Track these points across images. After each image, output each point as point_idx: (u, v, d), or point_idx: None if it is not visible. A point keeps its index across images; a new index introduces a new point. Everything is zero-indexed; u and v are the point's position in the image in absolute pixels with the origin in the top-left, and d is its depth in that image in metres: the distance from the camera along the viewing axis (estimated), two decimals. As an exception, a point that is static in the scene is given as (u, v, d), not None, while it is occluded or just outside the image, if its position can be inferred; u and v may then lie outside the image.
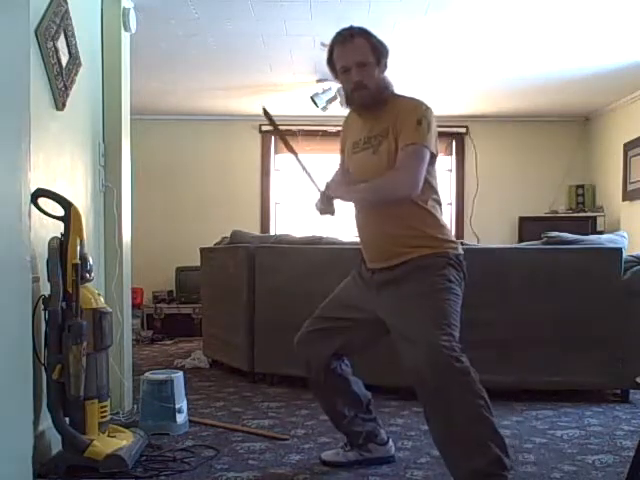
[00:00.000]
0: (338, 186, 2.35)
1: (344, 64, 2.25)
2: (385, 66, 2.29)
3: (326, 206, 2.36)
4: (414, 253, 2.19)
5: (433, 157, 2.22)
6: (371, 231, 2.31)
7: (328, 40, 2.35)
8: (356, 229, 2.41)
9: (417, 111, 2.19)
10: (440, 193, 2.33)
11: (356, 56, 2.23)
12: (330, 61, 2.32)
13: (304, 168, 2.47)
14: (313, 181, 2.43)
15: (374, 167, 2.24)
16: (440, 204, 2.31)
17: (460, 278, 2.21)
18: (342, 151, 2.54)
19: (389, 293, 2.22)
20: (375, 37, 2.27)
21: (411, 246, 2.20)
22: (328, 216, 2.39)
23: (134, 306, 5.04)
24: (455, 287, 2.18)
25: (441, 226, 2.27)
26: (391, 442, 2.57)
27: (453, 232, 6.56)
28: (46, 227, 2.47)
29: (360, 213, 2.37)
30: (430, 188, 2.25)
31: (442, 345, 2.00)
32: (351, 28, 2.27)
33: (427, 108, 2.21)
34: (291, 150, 2.66)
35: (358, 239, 2.42)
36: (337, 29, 2.31)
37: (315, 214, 2.41)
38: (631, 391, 3.55)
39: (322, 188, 2.38)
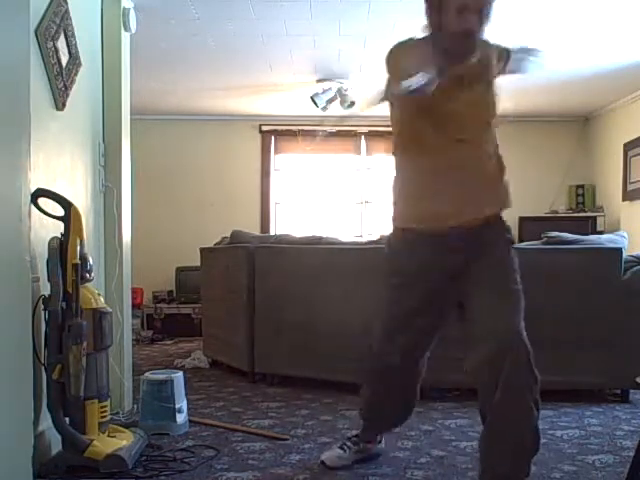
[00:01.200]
0: None
1: (470, 4, 1.91)
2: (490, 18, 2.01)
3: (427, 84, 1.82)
4: (502, 204, 2.14)
5: None
6: (471, 172, 2.07)
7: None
8: (430, 179, 2.10)
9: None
10: None
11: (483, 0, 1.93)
12: None
13: None
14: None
15: (484, 101, 2.11)
16: None
17: None
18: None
19: (479, 258, 2.05)
20: None
21: (502, 193, 2.15)
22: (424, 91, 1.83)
23: (134, 306, 5.04)
24: None
25: None
26: (383, 438, 2.62)
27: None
28: (46, 227, 2.46)
29: (449, 154, 2.07)
30: None
31: (526, 340, 1.95)
32: None
33: None
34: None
35: (425, 195, 2.11)
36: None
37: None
38: (631, 391, 3.55)
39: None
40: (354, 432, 2.60)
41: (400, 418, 2.52)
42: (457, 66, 1.94)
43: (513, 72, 2.19)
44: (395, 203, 2.24)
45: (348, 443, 2.52)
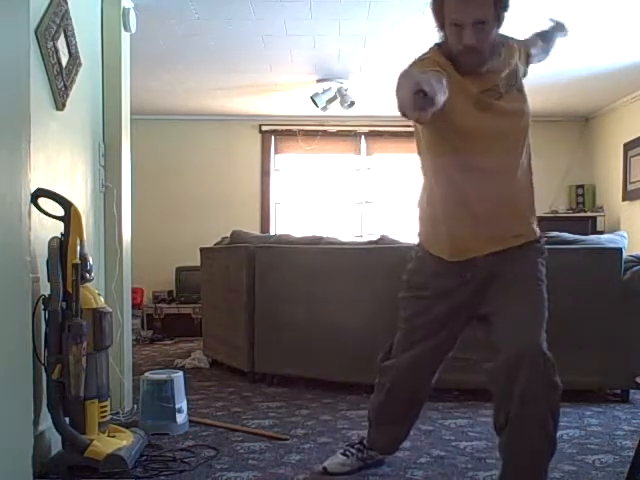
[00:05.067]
0: None
1: (459, 19, 1.82)
2: (503, 20, 1.90)
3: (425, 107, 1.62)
4: (531, 234, 2.05)
5: None
6: (500, 201, 1.98)
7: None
8: (461, 203, 2.00)
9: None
10: None
11: (476, 12, 1.80)
12: (437, 5, 1.90)
13: None
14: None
15: (520, 112, 2.00)
16: None
17: None
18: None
19: (500, 275, 2.01)
20: None
21: (530, 223, 2.05)
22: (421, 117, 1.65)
23: (134, 306, 5.04)
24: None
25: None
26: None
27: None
28: (46, 227, 2.46)
29: (481, 182, 1.96)
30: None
31: (547, 352, 1.90)
32: None
33: None
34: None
35: (455, 222, 2.02)
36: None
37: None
38: (631, 391, 3.55)
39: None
40: (358, 439, 2.52)
41: (402, 427, 2.44)
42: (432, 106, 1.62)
43: (545, 53, 2.23)
44: (421, 221, 2.20)
45: (352, 450, 2.45)
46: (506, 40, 2.07)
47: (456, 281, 2.08)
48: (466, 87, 1.92)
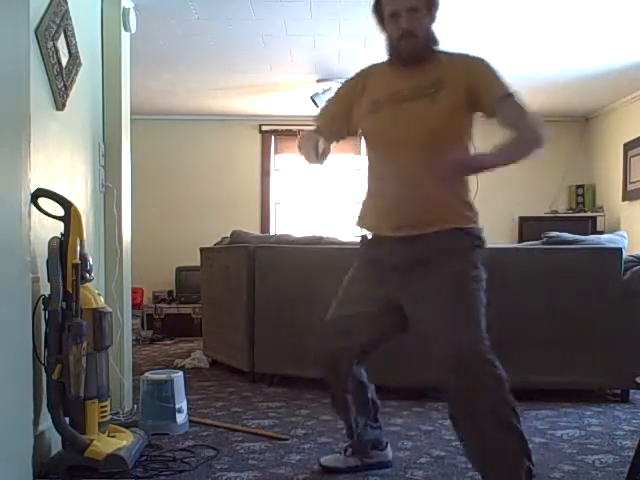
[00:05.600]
0: (482, 157, 2.01)
1: (393, 8, 2.08)
2: (434, 18, 2.16)
3: (319, 158, 2.09)
4: (449, 222, 2.05)
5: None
6: (405, 186, 2.07)
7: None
8: (374, 186, 2.19)
9: (486, 63, 2.13)
10: None
11: (407, 0, 2.06)
12: (377, 7, 2.16)
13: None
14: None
15: (435, 116, 2.06)
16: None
17: (483, 268, 2.09)
18: (341, 104, 2.29)
19: (417, 277, 2.03)
20: None
21: (448, 210, 2.07)
22: (316, 165, 2.13)
23: (134, 306, 5.04)
24: (483, 274, 2.05)
25: (470, 191, 2.15)
26: (389, 447, 2.54)
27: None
28: (46, 227, 2.46)
29: (391, 165, 2.12)
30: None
31: (480, 347, 1.92)
32: None
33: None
34: None
35: (371, 202, 2.20)
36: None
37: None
38: (631, 391, 3.55)
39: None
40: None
41: (367, 420, 2.43)
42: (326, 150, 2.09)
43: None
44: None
45: (349, 449, 2.48)
46: (450, 53, 2.17)
47: (384, 255, 2.13)
48: (387, 83, 2.15)
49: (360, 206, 2.27)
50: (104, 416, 2.51)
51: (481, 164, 2.01)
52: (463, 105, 2.09)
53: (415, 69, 2.12)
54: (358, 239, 2.31)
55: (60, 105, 2.76)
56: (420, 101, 2.09)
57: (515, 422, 1.93)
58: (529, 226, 6.55)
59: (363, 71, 2.30)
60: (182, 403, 3.02)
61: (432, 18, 2.15)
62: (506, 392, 1.93)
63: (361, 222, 2.26)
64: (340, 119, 2.28)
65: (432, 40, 2.15)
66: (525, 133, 2.03)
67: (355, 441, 2.45)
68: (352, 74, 2.34)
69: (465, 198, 2.13)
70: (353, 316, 2.22)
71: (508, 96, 2.07)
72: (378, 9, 2.16)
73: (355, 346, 2.27)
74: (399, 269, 2.08)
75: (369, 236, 2.24)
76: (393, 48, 2.14)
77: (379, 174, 2.19)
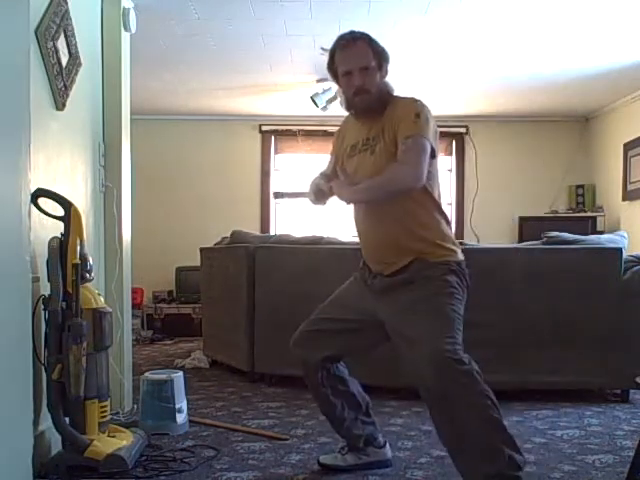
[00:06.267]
0: (341, 188, 2.27)
1: (346, 68, 2.25)
2: (386, 72, 2.29)
3: (320, 199, 2.41)
4: (414, 260, 2.17)
5: (433, 155, 2.17)
6: (371, 233, 2.29)
7: (328, 44, 2.34)
8: (356, 231, 2.39)
9: (413, 106, 2.18)
10: (441, 194, 2.30)
11: (358, 60, 2.22)
12: (331, 66, 2.32)
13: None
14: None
15: (372, 168, 2.20)
16: (440, 205, 2.27)
17: (463, 285, 2.18)
18: (334, 153, 2.52)
19: (390, 298, 2.20)
20: (376, 42, 2.26)
21: (411, 251, 2.18)
22: (320, 206, 2.47)
23: (134, 306, 5.04)
24: (458, 292, 2.15)
25: (441, 230, 2.23)
26: (388, 446, 2.55)
27: (453, 232, 6.57)
28: (46, 227, 2.46)
29: (360, 214, 2.34)
30: (430, 188, 2.22)
31: (445, 349, 1.97)
32: (352, 32, 2.27)
33: (423, 105, 2.20)
34: None
35: (358, 240, 2.40)
36: (337, 29, 2.32)
37: (311, 208, 2.51)
38: (631, 391, 3.55)
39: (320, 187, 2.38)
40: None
41: (357, 415, 2.48)
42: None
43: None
44: None
45: (345, 448, 2.51)
46: (396, 98, 2.27)
47: (368, 289, 2.31)
48: (354, 133, 2.34)
49: None
50: (104, 416, 2.51)
51: (337, 195, 2.28)
52: (394, 151, 2.18)
53: (370, 121, 2.28)
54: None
55: (60, 105, 2.76)
56: (366, 153, 2.26)
57: (494, 414, 1.98)
58: (529, 226, 6.55)
59: (343, 122, 2.53)
60: (182, 403, 3.02)
61: (384, 72, 2.28)
62: (480, 385, 1.99)
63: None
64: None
65: (385, 93, 2.27)
66: (385, 175, 2.16)
67: (348, 436, 2.48)
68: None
69: (428, 237, 2.21)
70: (324, 330, 2.37)
71: (408, 138, 2.13)
72: (332, 67, 2.32)
73: (321, 355, 2.37)
74: (380, 292, 2.24)
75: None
76: (349, 103, 2.31)
77: (355, 217, 2.38)
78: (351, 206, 2.37)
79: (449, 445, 2.06)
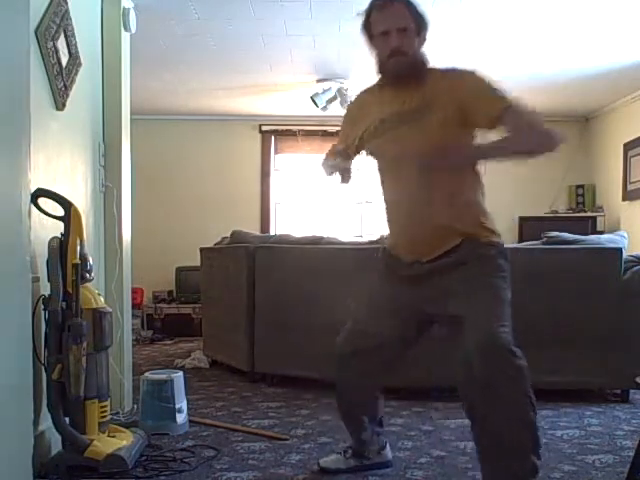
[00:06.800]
0: (466, 147, 2.07)
1: (383, 28, 2.10)
2: (424, 39, 2.16)
3: (346, 179, 2.18)
4: (464, 240, 2.07)
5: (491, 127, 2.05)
6: (417, 217, 2.11)
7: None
8: (392, 220, 2.24)
9: (476, 76, 2.08)
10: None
11: (397, 20, 2.08)
12: (366, 26, 2.17)
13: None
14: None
15: (422, 141, 2.06)
16: (484, 186, 2.18)
17: (509, 270, 2.12)
18: (344, 138, 2.36)
19: (438, 282, 2.07)
20: (415, 6, 2.12)
21: (461, 232, 2.08)
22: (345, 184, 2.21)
23: (134, 306, 5.04)
24: (508, 277, 2.09)
25: (486, 211, 2.15)
26: (388, 447, 2.54)
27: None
28: (46, 227, 2.46)
29: (400, 200, 2.16)
30: (478, 167, 2.14)
31: (499, 336, 1.90)
32: None
33: (483, 75, 2.10)
34: None
35: (390, 227, 2.25)
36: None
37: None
38: (631, 391, 3.55)
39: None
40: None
41: (374, 426, 2.44)
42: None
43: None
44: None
45: (349, 450, 2.47)
46: (440, 70, 2.16)
47: (402, 280, 2.18)
48: (380, 106, 2.19)
49: (385, 222, 2.30)
50: (104, 416, 2.51)
51: (471, 152, 2.07)
52: (454, 124, 2.06)
53: (404, 91, 2.13)
54: (376, 246, 2.37)
55: (60, 105, 2.76)
56: (408, 126, 2.10)
57: (532, 418, 1.93)
58: (529, 226, 6.55)
59: (355, 102, 2.40)
60: (182, 403, 3.02)
61: (422, 39, 2.16)
62: (527, 385, 1.92)
63: (386, 241, 2.31)
64: (348, 142, 2.31)
65: (420, 62, 2.15)
66: (532, 132, 2.08)
67: (362, 444, 2.44)
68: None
69: (479, 219, 2.12)
70: (378, 333, 2.22)
71: (506, 108, 2.04)
72: (367, 28, 2.17)
73: (380, 364, 2.29)
74: (427, 274, 2.11)
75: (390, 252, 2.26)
76: (382, 66, 2.15)
77: (389, 200, 2.24)
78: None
79: (481, 438, 1.98)
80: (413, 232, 2.14)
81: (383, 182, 2.28)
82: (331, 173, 2.22)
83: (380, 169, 2.28)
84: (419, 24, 2.12)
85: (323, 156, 2.27)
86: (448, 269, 2.07)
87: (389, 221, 2.26)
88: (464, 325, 1.96)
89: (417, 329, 2.23)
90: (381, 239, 2.35)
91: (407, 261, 2.16)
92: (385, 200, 2.26)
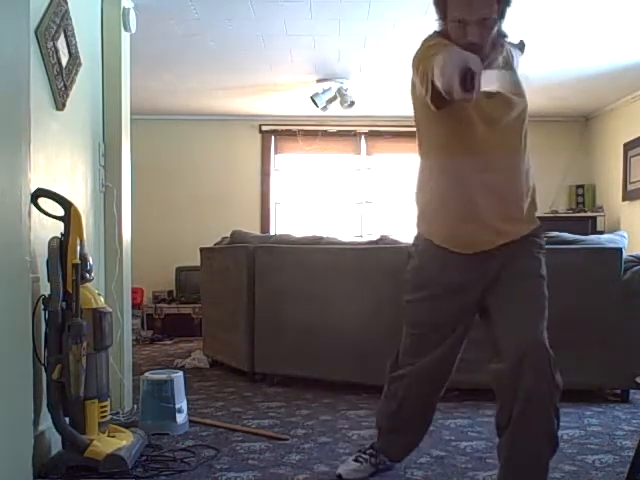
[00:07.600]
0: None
1: (461, 16, 1.85)
2: (504, 15, 1.93)
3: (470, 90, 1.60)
4: (532, 225, 2.07)
5: None
6: (499, 199, 1.99)
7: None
8: (449, 193, 2.02)
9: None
10: None
11: (482, 10, 1.83)
12: (439, 4, 1.93)
13: None
14: None
15: (512, 88, 1.98)
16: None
17: None
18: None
19: (505, 270, 2.03)
20: None
21: (530, 216, 2.06)
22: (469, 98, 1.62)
23: (134, 306, 5.04)
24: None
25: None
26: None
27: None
28: (46, 227, 2.46)
29: (475, 167, 1.96)
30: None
31: (548, 348, 1.90)
32: None
33: None
34: None
35: (449, 213, 2.03)
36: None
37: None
38: (631, 391, 3.55)
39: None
40: (368, 444, 2.48)
41: (417, 434, 2.41)
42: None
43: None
44: (423, 213, 2.15)
45: (364, 455, 2.41)
46: (506, 45, 2.09)
47: (469, 276, 2.06)
48: None
49: (425, 213, 2.14)
50: (104, 416, 2.51)
51: None
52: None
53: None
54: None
55: (60, 105, 2.76)
56: (504, 70, 1.99)
57: (556, 433, 1.96)
58: (529, 226, 6.53)
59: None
60: (182, 403, 3.02)
61: (502, 16, 1.93)
62: (558, 401, 1.93)
63: (430, 231, 2.13)
64: None
65: (495, 38, 1.94)
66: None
67: (387, 446, 2.41)
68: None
69: (535, 200, 2.11)
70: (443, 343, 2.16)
71: None
72: (441, 7, 1.93)
73: (444, 377, 2.29)
74: (499, 269, 2.05)
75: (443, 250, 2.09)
76: (456, 43, 1.88)
77: (459, 177, 1.99)
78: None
79: (508, 448, 1.97)
80: (499, 209, 1.99)
81: (453, 158, 2.01)
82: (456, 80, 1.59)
83: (462, 143, 1.99)
84: (504, 4, 1.91)
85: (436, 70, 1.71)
86: (525, 254, 2.07)
87: (457, 206, 2.01)
88: (511, 325, 1.97)
89: (466, 326, 2.17)
90: (418, 236, 2.17)
91: (468, 253, 2.03)
92: (448, 180, 2.03)
